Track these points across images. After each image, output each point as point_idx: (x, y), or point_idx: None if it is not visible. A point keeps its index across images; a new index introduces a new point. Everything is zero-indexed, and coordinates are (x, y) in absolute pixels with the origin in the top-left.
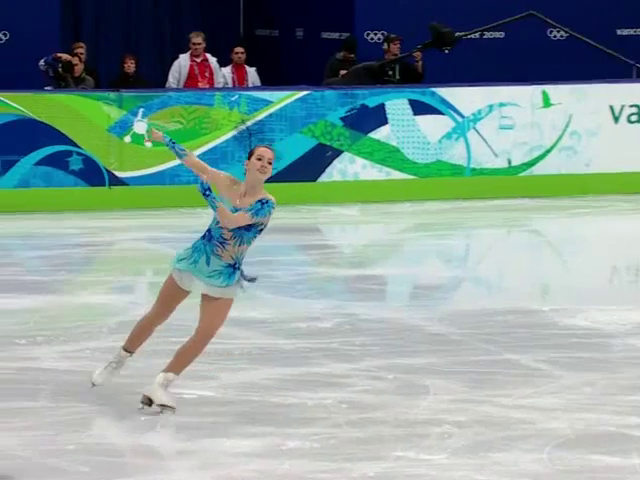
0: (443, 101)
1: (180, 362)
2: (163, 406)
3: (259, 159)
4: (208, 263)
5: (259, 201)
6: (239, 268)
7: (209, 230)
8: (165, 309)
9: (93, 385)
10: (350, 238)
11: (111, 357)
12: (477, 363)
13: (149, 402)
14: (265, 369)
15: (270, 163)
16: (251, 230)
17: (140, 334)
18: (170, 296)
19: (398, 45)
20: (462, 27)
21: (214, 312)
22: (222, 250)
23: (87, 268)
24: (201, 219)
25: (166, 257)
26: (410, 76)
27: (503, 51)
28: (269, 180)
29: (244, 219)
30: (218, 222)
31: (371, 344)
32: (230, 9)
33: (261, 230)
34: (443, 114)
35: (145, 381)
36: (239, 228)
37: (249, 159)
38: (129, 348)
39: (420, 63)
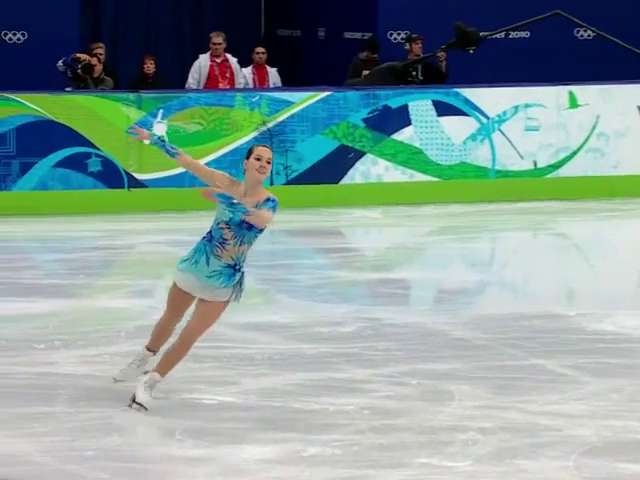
0: (467, 102)
1: (165, 364)
2: (139, 405)
3: (258, 159)
4: (208, 263)
5: (268, 199)
6: (239, 270)
7: (210, 231)
8: (175, 313)
9: (115, 381)
10: (373, 241)
11: (135, 355)
12: (502, 368)
13: (133, 400)
14: (286, 374)
15: (269, 162)
16: (252, 230)
17: (159, 335)
18: (177, 300)
19: (420, 45)
20: (487, 27)
21: (203, 314)
22: (222, 250)
23: (106, 272)
24: None
25: None
26: (433, 76)
27: (529, 51)
28: (290, 182)
29: (270, 216)
30: (219, 223)
31: (394, 349)
32: (251, 9)
33: (262, 230)
34: (467, 115)
35: (166, 386)
36: (241, 228)
37: (247, 158)
38: (152, 347)
39: (444, 63)
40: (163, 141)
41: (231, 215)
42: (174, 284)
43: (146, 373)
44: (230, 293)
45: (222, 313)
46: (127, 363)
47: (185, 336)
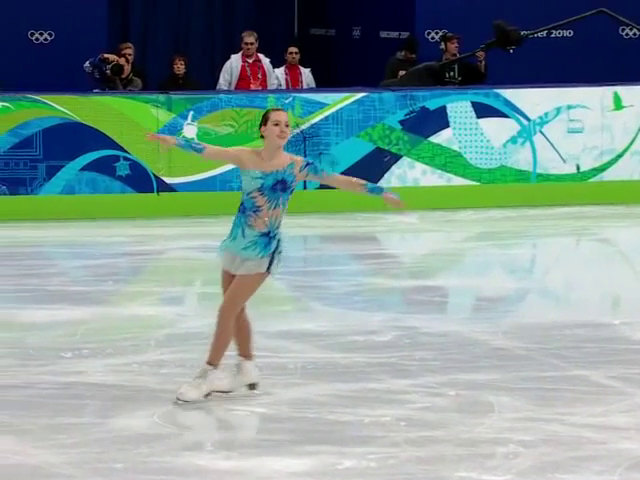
0: (508, 103)
1: (212, 352)
2: (184, 401)
3: (276, 124)
4: (244, 235)
5: (307, 164)
6: (274, 237)
7: (242, 203)
8: None
9: (227, 392)
10: (409, 247)
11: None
12: (544, 379)
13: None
14: (320, 385)
15: (287, 126)
16: (286, 191)
17: (238, 338)
18: (228, 284)
19: (456, 44)
20: (528, 25)
21: (237, 286)
22: (255, 219)
23: (135, 278)
24: None
25: (216, 267)
26: (472, 76)
27: (572, 50)
28: (324, 186)
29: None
30: (250, 193)
31: (431, 359)
32: (284, 7)
33: (292, 191)
34: (508, 117)
35: (190, 405)
36: (274, 191)
37: (265, 125)
38: (241, 352)
39: (483, 63)
40: (188, 142)
41: (262, 181)
42: (223, 269)
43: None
44: (267, 264)
45: (258, 286)
46: (232, 373)
47: (219, 315)
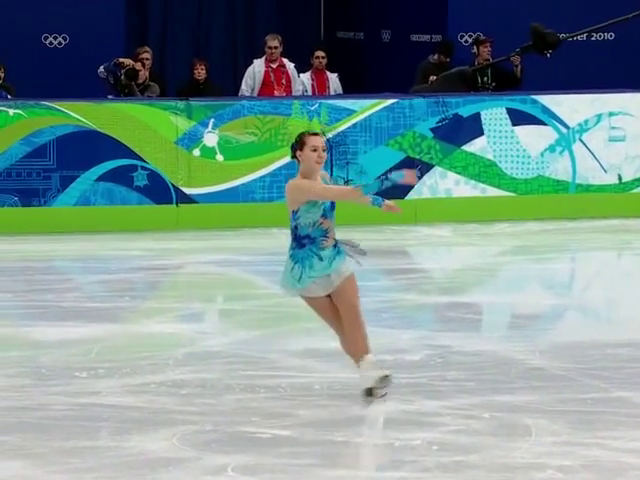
0: (545, 110)
1: (353, 349)
2: (377, 386)
3: (314, 150)
4: (322, 258)
5: (328, 173)
6: (337, 241)
7: (307, 235)
8: (335, 324)
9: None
10: (441, 262)
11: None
12: (584, 401)
13: (369, 393)
14: (347, 406)
15: (324, 150)
16: (334, 203)
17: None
18: (328, 309)
19: (489, 48)
20: (566, 28)
21: (345, 290)
22: (327, 240)
23: (152, 294)
24: (277, 240)
25: (238, 282)
26: (506, 82)
27: (613, 54)
28: None
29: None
30: (315, 223)
31: (465, 379)
32: (310, 9)
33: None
34: (545, 124)
35: (217, 419)
36: (333, 209)
37: (301, 150)
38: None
39: (519, 67)
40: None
41: (324, 206)
42: (314, 300)
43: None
44: (349, 262)
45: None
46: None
47: (346, 312)
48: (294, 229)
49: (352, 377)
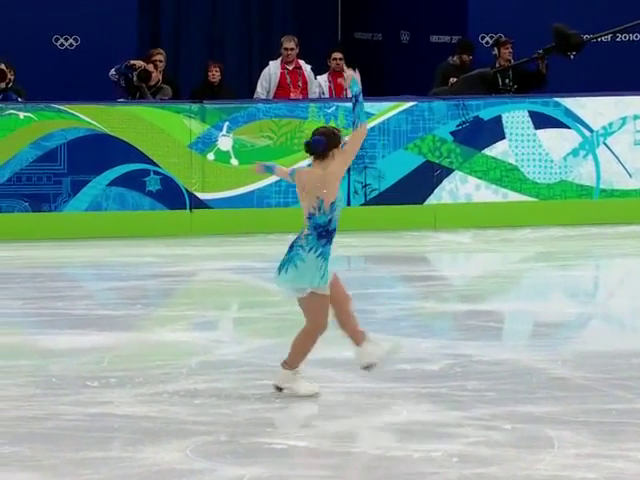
0: (569, 113)
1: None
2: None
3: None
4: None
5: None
6: None
7: (334, 230)
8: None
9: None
10: (462, 269)
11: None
12: (608, 412)
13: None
14: (365, 417)
15: None
16: None
17: (349, 327)
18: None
19: (510, 49)
20: (590, 29)
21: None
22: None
23: (165, 301)
24: None
25: (253, 289)
26: (530, 81)
27: (638, 55)
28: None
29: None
30: (337, 213)
31: (485, 389)
32: (327, 10)
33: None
34: (569, 128)
35: (231, 430)
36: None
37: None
38: (359, 341)
39: (545, 63)
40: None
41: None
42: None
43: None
44: None
45: None
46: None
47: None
48: (327, 223)
49: (370, 387)
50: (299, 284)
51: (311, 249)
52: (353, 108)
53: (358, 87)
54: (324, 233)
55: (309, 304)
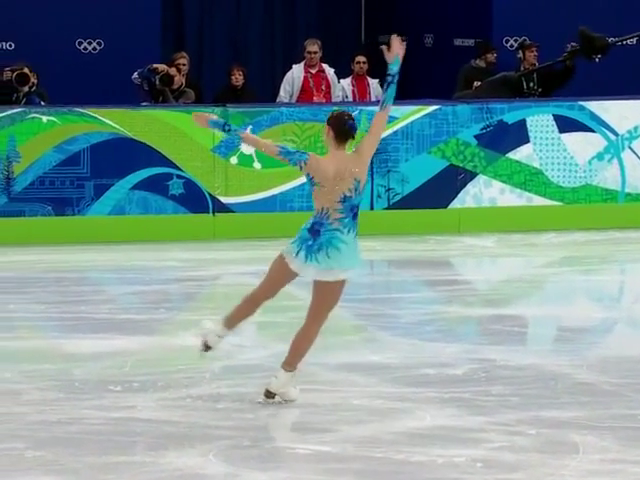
0: (593, 117)
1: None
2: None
3: None
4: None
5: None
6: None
7: (355, 215)
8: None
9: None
10: (486, 273)
11: None
12: (634, 417)
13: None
14: (388, 422)
15: None
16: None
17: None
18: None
19: (535, 52)
20: (615, 31)
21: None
22: None
23: (188, 306)
24: None
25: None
26: (557, 79)
27: None
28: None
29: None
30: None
31: (509, 394)
32: (350, 13)
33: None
34: (593, 131)
35: (254, 434)
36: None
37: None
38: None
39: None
40: (225, 124)
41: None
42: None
43: None
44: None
45: None
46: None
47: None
48: (357, 206)
49: (393, 392)
50: (344, 267)
51: (349, 230)
52: (387, 87)
53: (398, 66)
54: (358, 213)
55: (333, 288)
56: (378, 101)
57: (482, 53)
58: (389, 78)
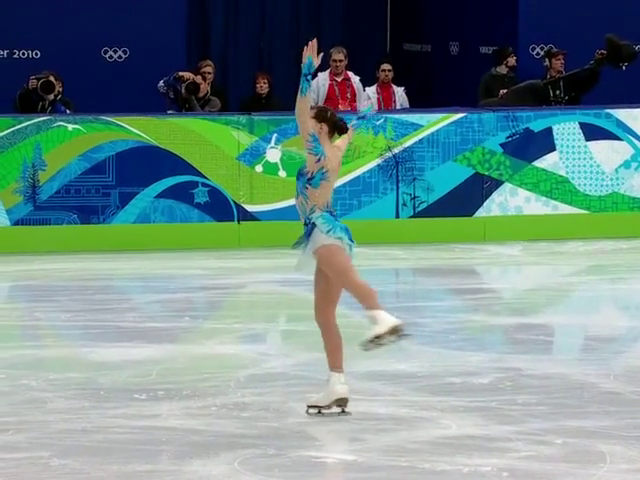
0: (620, 124)
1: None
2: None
3: None
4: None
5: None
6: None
7: (330, 205)
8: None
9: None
10: (511, 281)
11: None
12: None
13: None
14: (414, 431)
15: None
16: (301, 181)
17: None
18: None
19: (561, 60)
20: None
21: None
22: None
23: (213, 314)
24: None
25: (301, 302)
26: (584, 85)
27: None
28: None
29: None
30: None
31: (536, 403)
32: (376, 21)
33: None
34: (620, 139)
35: (280, 443)
36: (301, 185)
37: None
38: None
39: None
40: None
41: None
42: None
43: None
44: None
45: None
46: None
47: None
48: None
49: (418, 400)
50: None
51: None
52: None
53: (307, 67)
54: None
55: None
56: (403, 109)
57: (501, 59)
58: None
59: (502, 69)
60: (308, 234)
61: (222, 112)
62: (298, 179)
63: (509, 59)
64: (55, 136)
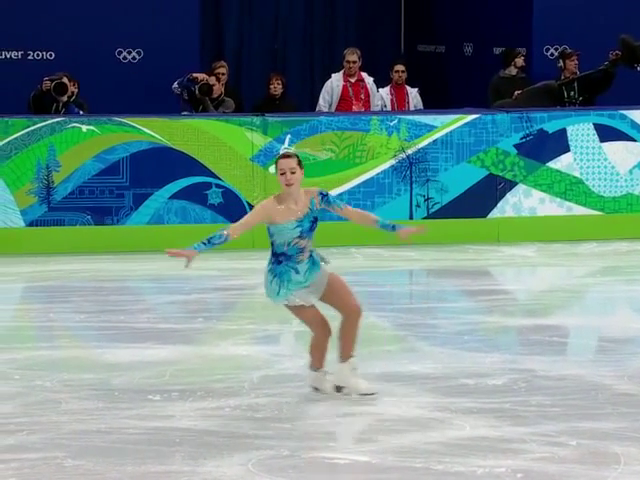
0: (634, 125)
1: (349, 343)
2: (371, 394)
3: (282, 173)
4: (298, 272)
5: (321, 194)
6: (312, 252)
7: (283, 253)
8: (323, 326)
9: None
10: (526, 283)
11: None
12: None
13: (339, 389)
14: (428, 432)
15: (293, 172)
16: (316, 223)
17: (320, 353)
18: (317, 315)
19: (575, 61)
20: None
21: (339, 281)
22: (302, 255)
23: (227, 315)
24: (354, 260)
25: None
26: (598, 86)
27: None
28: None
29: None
30: (290, 243)
31: (550, 405)
32: (390, 22)
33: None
34: (635, 140)
35: (294, 444)
36: (311, 229)
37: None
38: (319, 366)
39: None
40: (207, 241)
41: (300, 228)
42: (298, 309)
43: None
44: (325, 267)
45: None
46: (310, 387)
47: (359, 313)
48: (271, 245)
49: (432, 402)
50: (266, 296)
51: (267, 265)
52: (380, 226)
53: (389, 229)
54: (272, 252)
55: (295, 314)
56: (417, 110)
57: (509, 61)
58: (380, 221)
59: (511, 70)
60: (318, 264)
61: (236, 113)
62: (316, 223)
63: (517, 60)
64: (69, 137)
